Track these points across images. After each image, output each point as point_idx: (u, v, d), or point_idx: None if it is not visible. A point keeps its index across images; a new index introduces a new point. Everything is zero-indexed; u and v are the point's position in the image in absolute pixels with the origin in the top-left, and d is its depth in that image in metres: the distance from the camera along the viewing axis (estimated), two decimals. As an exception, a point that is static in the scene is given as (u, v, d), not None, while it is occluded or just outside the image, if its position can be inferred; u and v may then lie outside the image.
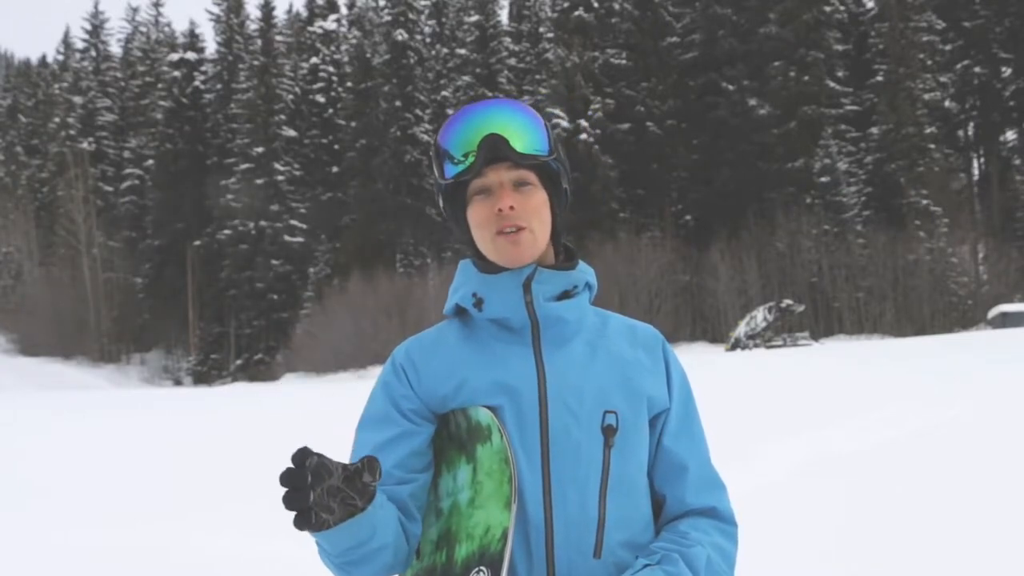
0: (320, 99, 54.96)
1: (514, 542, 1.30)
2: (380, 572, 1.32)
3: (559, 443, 1.34)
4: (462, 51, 52.90)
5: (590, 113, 43.00)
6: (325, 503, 1.14)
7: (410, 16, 52.82)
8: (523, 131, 1.40)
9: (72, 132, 58.56)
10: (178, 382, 51.68)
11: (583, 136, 41.61)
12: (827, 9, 44.72)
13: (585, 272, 1.47)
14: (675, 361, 1.52)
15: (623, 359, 1.45)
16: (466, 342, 1.44)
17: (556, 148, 1.44)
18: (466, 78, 50.44)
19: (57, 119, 60.33)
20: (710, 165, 44.83)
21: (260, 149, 50.83)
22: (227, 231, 50.83)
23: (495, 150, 1.37)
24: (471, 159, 1.38)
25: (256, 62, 52.96)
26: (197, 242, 53.18)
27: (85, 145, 57.76)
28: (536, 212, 1.41)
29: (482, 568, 1.26)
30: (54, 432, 12.42)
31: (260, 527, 6.34)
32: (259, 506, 7.12)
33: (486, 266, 1.45)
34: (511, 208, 1.38)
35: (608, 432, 1.36)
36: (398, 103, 50.08)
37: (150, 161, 57.27)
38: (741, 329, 35.68)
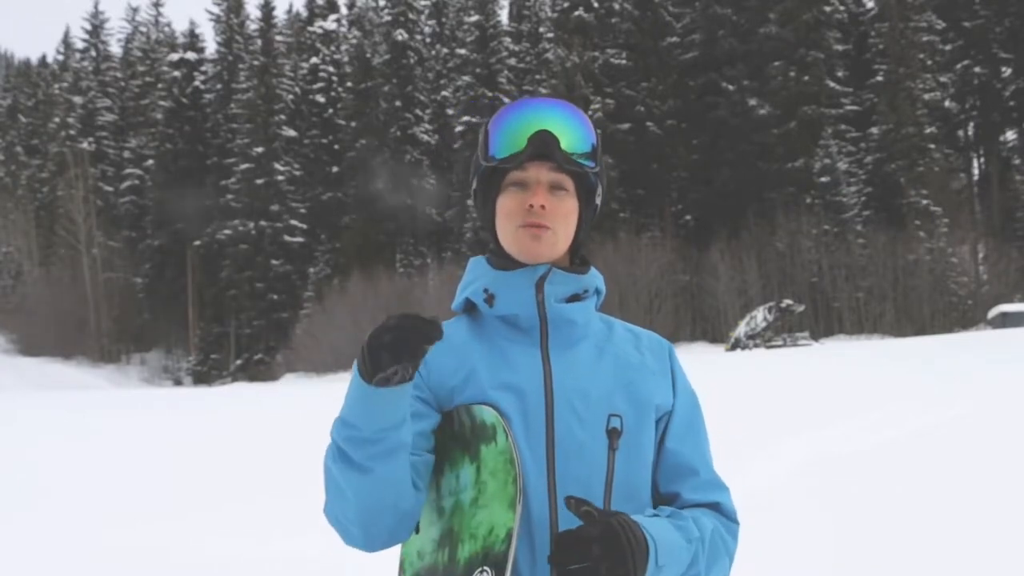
0: (320, 99, 54.94)
1: (519, 542, 1.29)
2: (392, 486, 1.30)
3: (564, 445, 1.34)
4: (462, 51, 52.86)
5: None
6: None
7: (410, 16, 52.83)
8: (574, 137, 1.41)
9: (72, 132, 58.53)
10: (178, 382, 51.67)
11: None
12: (827, 9, 44.70)
13: (596, 277, 1.48)
14: (681, 368, 1.53)
15: (629, 363, 1.45)
16: (475, 339, 1.44)
17: (600, 162, 1.45)
18: (466, 78, 50.39)
19: (57, 119, 60.31)
20: (710, 165, 44.82)
21: (260, 149, 50.82)
22: (227, 231, 50.82)
23: (543, 147, 1.39)
24: (518, 149, 1.40)
25: (256, 62, 52.95)
26: (197, 242, 53.16)
27: (85, 145, 57.73)
28: (564, 218, 1.43)
29: (486, 568, 1.25)
30: (54, 432, 12.42)
31: (260, 528, 6.34)
32: (259, 506, 7.13)
33: (501, 262, 1.46)
34: (542, 207, 1.40)
35: (613, 435, 1.36)
36: (398, 103, 50.08)
37: (150, 161, 57.27)
38: (741, 329, 35.66)
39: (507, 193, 1.43)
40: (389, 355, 1.20)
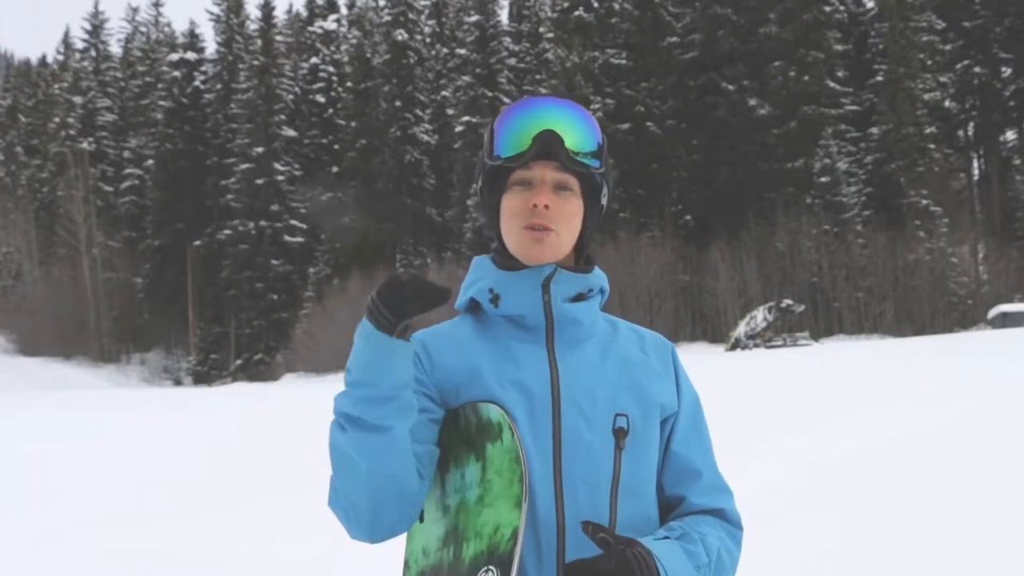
0: (320, 99, 54.94)
1: (524, 542, 1.29)
2: (406, 449, 1.31)
3: (571, 444, 1.34)
4: (462, 51, 52.82)
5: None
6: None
7: (410, 16, 52.79)
8: (580, 136, 1.41)
9: (72, 132, 58.50)
10: (178, 382, 51.67)
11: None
12: (827, 9, 44.68)
13: (600, 277, 1.48)
14: (684, 369, 1.53)
15: (633, 363, 1.45)
16: (480, 337, 1.44)
17: (605, 162, 1.45)
18: (466, 78, 50.35)
19: (57, 119, 60.28)
20: (710, 165, 44.79)
21: (260, 149, 50.81)
22: (227, 231, 50.82)
23: (548, 146, 1.38)
24: (523, 148, 1.39)
25: (256, 62, 52.93)
26: (197, 242, 53.16)
27: (85, 145, 57.70)
28: (568, 219, 1.42)
29: (491, 567, 1.25)
30: (54, 432, 12.41)
31: (261, 528, 6.35)
32: (260, 507, 7.13)
33: (505, 262, 1.45)
34: (546, 207, 1.39)
35: (619, 434, 1.37)
36: (398, 103, 50.06)
37: (150, 161, 57.25)
38: (741, 329, 35.63)
39: (512, 192, 1.43)
40: (419, 304, 1.28)
